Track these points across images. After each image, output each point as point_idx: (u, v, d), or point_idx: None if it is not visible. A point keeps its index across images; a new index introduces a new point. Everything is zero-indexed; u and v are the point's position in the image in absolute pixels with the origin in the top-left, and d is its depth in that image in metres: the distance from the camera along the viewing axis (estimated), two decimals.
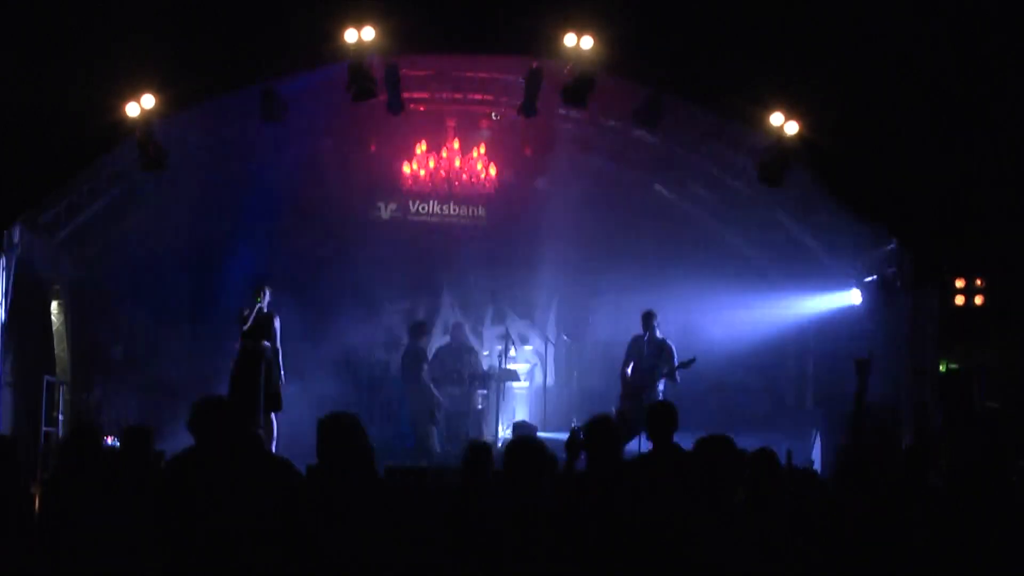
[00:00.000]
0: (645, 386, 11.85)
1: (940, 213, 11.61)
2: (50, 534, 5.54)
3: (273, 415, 11.10)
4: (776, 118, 11.37)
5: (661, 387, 11.97)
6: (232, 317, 11.66)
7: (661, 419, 6.72)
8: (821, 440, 13.04)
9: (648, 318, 12.09)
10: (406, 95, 12.43)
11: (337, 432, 4.51)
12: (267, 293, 11.24)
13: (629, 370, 12.09)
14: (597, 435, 5.49)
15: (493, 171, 14.35)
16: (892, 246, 12.46)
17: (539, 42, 11.20)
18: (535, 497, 4.72)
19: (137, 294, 13.66)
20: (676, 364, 11.94)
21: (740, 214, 15.00)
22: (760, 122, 11.64)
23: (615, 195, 15.04)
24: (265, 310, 11.19)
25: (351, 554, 4.32)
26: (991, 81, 11.21)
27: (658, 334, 12.09)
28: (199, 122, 12.72)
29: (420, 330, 13.91)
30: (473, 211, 15.55)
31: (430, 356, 14.81)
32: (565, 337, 15.39)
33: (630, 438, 10.87)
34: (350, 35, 10.72)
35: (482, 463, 6.20)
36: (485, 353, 14.84)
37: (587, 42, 10.87)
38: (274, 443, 10.98)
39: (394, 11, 10.79)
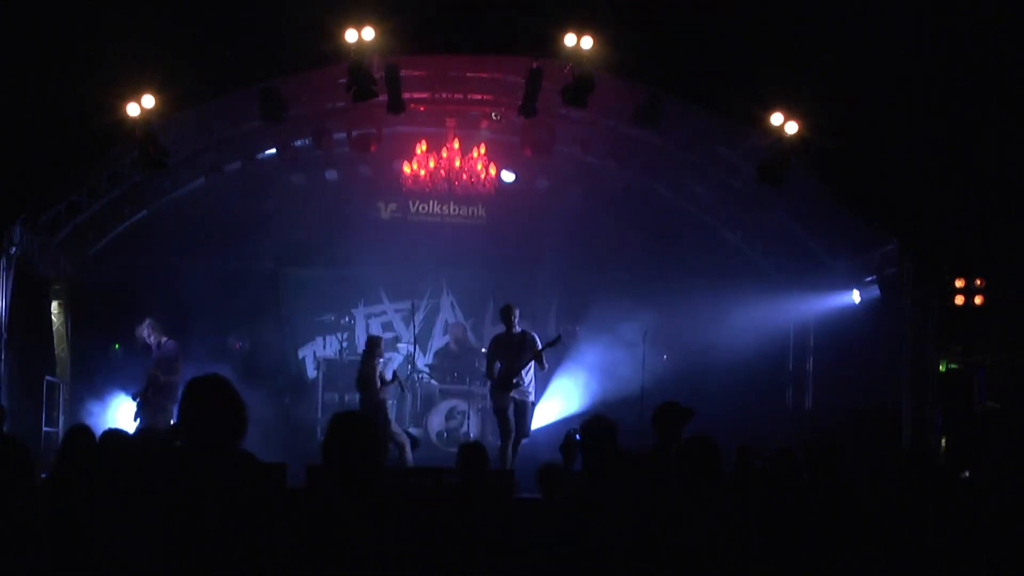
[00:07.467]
0: (515, 378, 11.31)
1: (940, 213, 11.61)
2: (49, 534, 5.54)
3: None
4: (776, 118, 11.36)
5: (531, 376, 11.53)
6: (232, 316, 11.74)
7: (670, 418, 6.69)
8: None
9: (507, 312, 11.45)
10: (406, 95, 12.42)
11: (347, 431, 4.51)
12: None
13: (496, 367, 11.41)
14: (593, 435, 5.48)
15: (493, 171, 14.33)
16: (892, 246, 12.46)
17: (539, 42, 11.19)
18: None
19: (137, 294, 13.66)
20: (544, 344, 11.47)
21: (740, 214, 15.00)
22: (760, 122, 11.64)
23: (615, 195, 15.04)
24: None
25: (351, 553, 4.32)
26: (991, 80, 11.21)
27: (517, 327, 11.47)
28: (199, 122, 12.72)
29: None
30: (473, 211, 15.54)
31: (430, 357, 14.84)
32: (565, 337, 15.37)
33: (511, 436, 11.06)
34: (350, 35, 10.71)
35: (478, 463, 6.23)
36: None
37: (587, 42, 10.86)
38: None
39: (394, 11, 10.78)
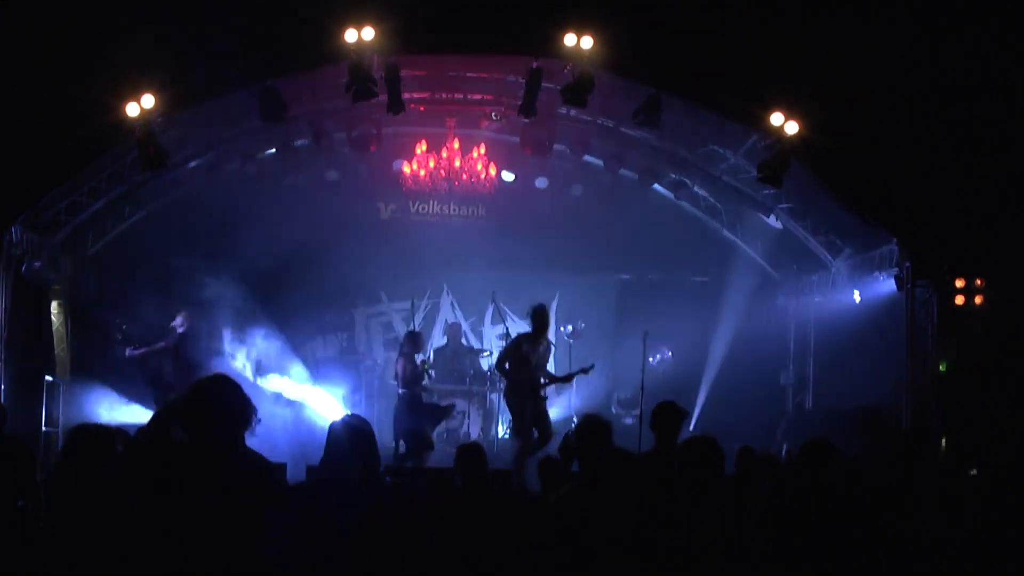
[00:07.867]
0: (539, 386, 10.76)
1: (940, 213, 11.61)
2: (49, 532, 5.55)
3: None
4: (776, 118, 11.37)
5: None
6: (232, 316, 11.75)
7: (667, 418, 6.66)
8: None
9: (545, 316, 10.72)
10: (406, 95, 12.42)
11: (347, 432, 4.51)
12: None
13: (509, 366, 10.67)
14: (587, 436, 5.47)
15: (493, 171, 14.34)
16: (892, 246, 12.46)
17: (539, 42, 11.20)
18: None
19: (137, 294, 13.66)
20: (577, 370, 11.33)
21: (740, 214, 15.01)
22: (760, 122, 11.64)
23: (615, 195, 15.05)
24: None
25: (350, 553, 4.32)
26: (991, 81, 11.21)
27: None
28: (199, 122, 12.73)
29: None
30: (473, 211, 15.56)
31: (429, 358, 14.83)
32: (566, 336, 15.39)
33: (535, 439, 10.61)
34: (350, 35, 10.72)
35: (476, 464, 6.22)
36: (485, 353, 14.84)
37: (587, 42, 10.87)
38: None
39: (394, 11, 10.78)
